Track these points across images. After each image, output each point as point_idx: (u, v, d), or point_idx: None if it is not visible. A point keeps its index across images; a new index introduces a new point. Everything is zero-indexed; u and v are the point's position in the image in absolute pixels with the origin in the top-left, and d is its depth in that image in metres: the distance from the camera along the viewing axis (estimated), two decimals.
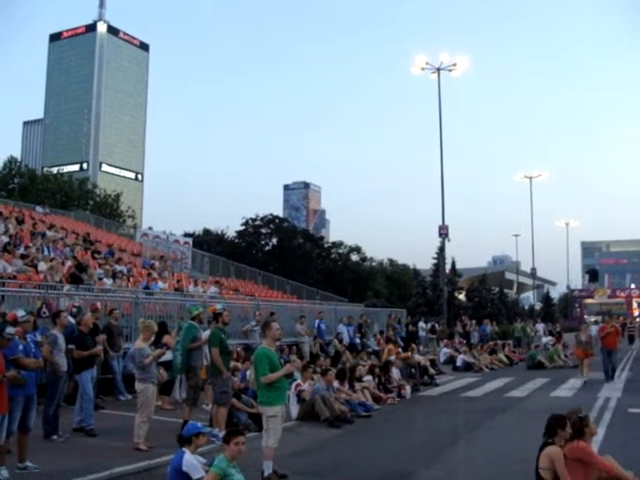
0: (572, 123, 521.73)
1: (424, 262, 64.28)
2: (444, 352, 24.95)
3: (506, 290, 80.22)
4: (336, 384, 12.80)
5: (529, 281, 77.90)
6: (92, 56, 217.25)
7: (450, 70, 33.62)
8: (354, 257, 74.64)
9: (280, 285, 33.75)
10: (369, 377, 14.74)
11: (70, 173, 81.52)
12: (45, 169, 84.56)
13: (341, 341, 20.62)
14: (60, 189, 60.54)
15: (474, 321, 32.56)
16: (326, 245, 72.06)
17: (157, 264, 25.72)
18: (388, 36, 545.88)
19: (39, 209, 34.14)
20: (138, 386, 9.17)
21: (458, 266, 60.36)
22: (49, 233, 23.53)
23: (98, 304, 13.46)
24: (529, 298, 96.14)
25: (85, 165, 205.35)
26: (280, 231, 64.71)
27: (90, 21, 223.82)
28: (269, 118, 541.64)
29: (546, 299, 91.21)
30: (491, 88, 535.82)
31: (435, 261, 54.64)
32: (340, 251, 72.49)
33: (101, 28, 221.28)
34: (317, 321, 21.66)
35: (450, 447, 9.73)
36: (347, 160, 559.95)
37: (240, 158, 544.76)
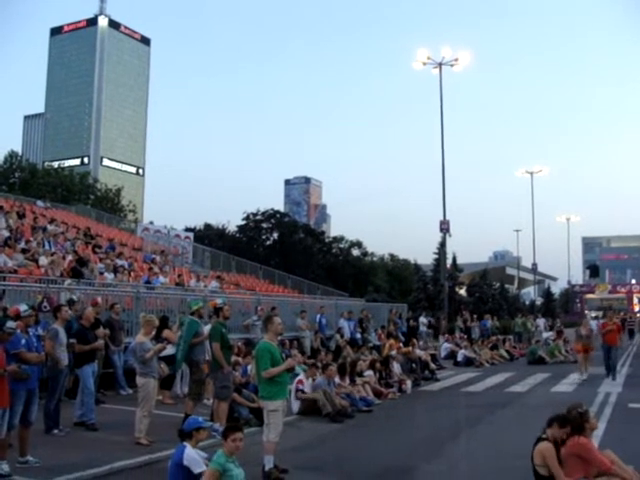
0: (574, 118, 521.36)
1: (425, 257, 64.47)
2: (445, 347, 24.96)
3: (507, 285, 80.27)
4: (337, 379, 12.81)
5: (530, 276, 77.86)
6: (93, 50, 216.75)
7: (452, 65, 33.49)
8: (355, 252, 74.56)
9: (281, 280, 33.74)
10: (370, 372, 14.75)
11: (71, 167, 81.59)
12: (46, 163, 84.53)
13: (342, 336, 20.64)
14: (61, 183, 60.47)
15: (475, 316, 32.60)
16: (327, 240, 71.94)
17: (158, 259, 25.73)
18: (389, 31, 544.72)
19: (40, 203, 34.15)
20: (139, 380, 9.18)
21: (459, 261, 60.39)
22: (50, 227, 23.54)
23: (99, 298, 13.45)
24: (530, 293, 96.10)
25: (86, 159, 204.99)
26: (281, 226, 64.64)
27: (91, 15, 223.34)
28: (270, 113, 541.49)
29: (547, 294, 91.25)
30: (492, 83, 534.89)
31: (436, 256, 54.57)
32: (341, 246, 72.38)
33: (102, 22, 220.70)
34: (318, 316, 21.66)
35: (451, 442, 9.74)
36: (348, 155, 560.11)
37: (241, 153, 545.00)
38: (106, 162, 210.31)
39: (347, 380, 13.36)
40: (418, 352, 18.85)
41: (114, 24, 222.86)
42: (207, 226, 65.03)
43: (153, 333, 10.09)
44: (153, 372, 9.28)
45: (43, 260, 17.26)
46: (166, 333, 12.21)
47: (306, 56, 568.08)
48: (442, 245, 37.05)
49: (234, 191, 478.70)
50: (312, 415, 11.54)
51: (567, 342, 25.44)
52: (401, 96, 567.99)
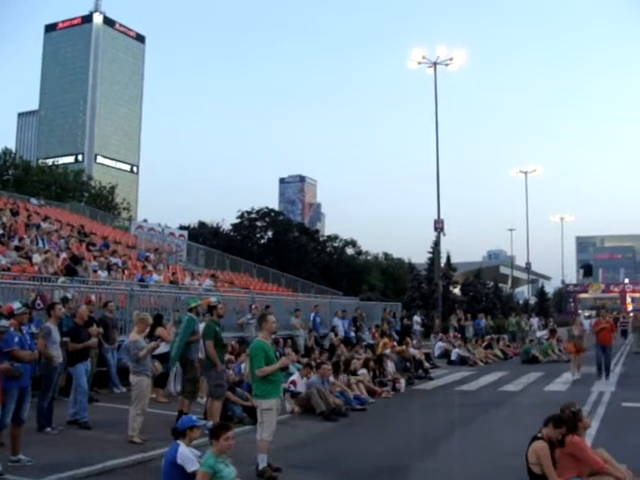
0: (568, 119, 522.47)
1: (419, 256, 64.56)
2: (439, 346, 24.98)
3: (501, 284, 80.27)
4: (331, 378, 12.81)
5: (524, 276, 77.99)
6: (88, 47, 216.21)
7: (447, 65, 33.52)
8: (349, 251, 74.62)
9: (275, 278, 33.74)
10: (364, 370, 14.76)
11: (65, 165, 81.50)
12: (40, 161, 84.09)
13: (336, 334, 20.63)
14: (55, 181, 60.33)
15: (469, 315, 32.64)
16: (321, 239, 71.91)
17: (152, 256, 25.65)
18: (385, 30, 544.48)
19: (34, 201, 34.04)
20: (132, 379, 9.15)
21: (453, 260, 60.36)
22: (44, 225, 23.43)
23: (92, 296, 13.39)
24: (524, 292, 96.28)
25: (80, 157, 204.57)
26: (275, 224, 64.57)
27: (86, 12, 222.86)
28: (265, 111, 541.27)
29: (541, 294, 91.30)
30: (487, 83, 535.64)
31: (430, 255, 54.48)
32: (335, 245, 72.39)
33: (97, 19, 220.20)
34: (312, 314, 21.64)
35: (444, 440, 9.76)
36: (343, 154, 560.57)
37: (236, 151, 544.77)
38: (100, 160, 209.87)
39: (345, 378, 13.39)
40: (412, 351, 18.88)
41: (109, 21, 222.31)
42: (201, 224, 64.90)
43: (147, 331, 10.06)
44: (147, 370, 9.25)
45: (37, 258, 17.17)
46: (160, 331, 12.17)
47: (301, 55, 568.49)
48: (436, 244, 37.03)
49: (228, 189, 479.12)
50: (306, 414, 11.54)
51: (560, 341, 25.52)
52: (396, 95, 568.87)
